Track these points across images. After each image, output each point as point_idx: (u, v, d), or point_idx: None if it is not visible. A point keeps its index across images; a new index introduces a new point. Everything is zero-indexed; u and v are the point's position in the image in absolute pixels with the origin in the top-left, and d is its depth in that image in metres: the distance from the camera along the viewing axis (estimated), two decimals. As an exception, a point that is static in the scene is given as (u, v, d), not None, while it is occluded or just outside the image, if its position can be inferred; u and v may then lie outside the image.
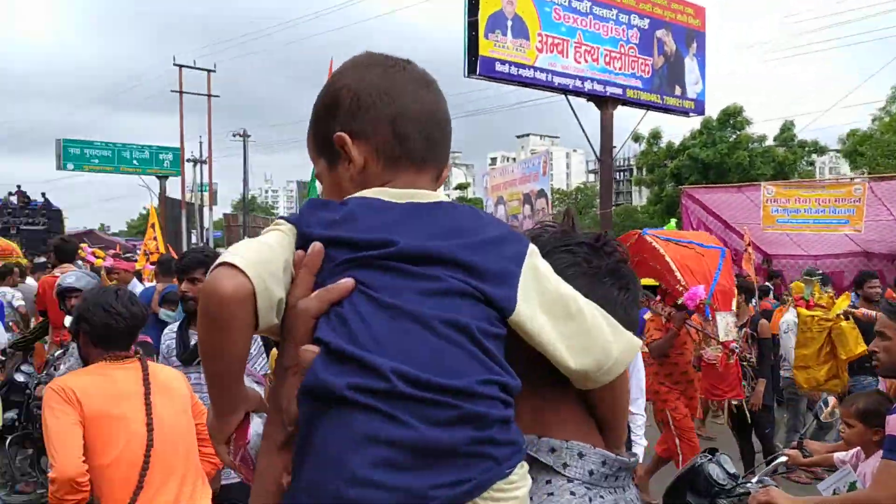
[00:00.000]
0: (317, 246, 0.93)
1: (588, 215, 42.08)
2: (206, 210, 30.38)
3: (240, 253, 0.89)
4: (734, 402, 5.94)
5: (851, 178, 17.27)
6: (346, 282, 0.90)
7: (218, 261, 0.90)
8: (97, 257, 9.99)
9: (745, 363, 6.02)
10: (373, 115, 1.04)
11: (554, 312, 0.96)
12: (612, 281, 1.07)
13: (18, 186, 27.59)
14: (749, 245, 11.01)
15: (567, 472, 0.98)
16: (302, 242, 0.95)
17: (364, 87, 1.05)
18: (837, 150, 29.53)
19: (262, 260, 0.90)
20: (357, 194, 1.01)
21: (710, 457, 2.85)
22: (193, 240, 28.59)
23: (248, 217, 32.48)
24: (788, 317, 6.52)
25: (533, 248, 0.99)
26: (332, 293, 0.90)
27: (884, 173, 17.76)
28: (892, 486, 2.35)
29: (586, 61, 16.94)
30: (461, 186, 70.32)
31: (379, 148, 1.04)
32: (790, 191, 13.61)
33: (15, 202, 27.09)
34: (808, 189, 13.62)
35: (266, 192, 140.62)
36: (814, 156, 31.56)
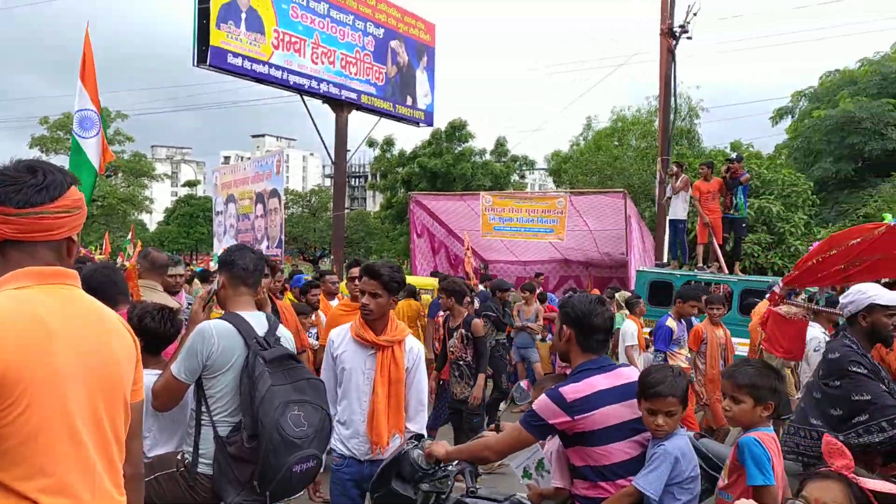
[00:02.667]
0: None
1: (322, 218, 42.16)
2: None
3: None
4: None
5: (556, 192, 19.34)
6: None
7: None
8: None
9: (461, 363, 6.15)
10: None
11: None
12: None
13: None
14: (468, 249, 11.77)
15: None
16: None
17: None
18: (544, 168, 33.07)
19: None
20: None
21: (416, 443, 2.97)
22: None
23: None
24: (816, 332, 5.55)
25: None
26: None
27: (582, 189, 20.07)
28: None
29: (323, 63, 16.95)
30: (190, 184, 66.52)
31: None
32: (505, 201, 14.69)
33: None
34: (519, 200, 14.83)
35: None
36: (528, 173, 34.86)
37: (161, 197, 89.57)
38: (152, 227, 63.46)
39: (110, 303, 2.99)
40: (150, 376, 2.96)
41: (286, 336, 3.03)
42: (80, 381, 1.60)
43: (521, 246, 16.84)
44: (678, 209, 12.49)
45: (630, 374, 2.77)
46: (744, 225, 12.84)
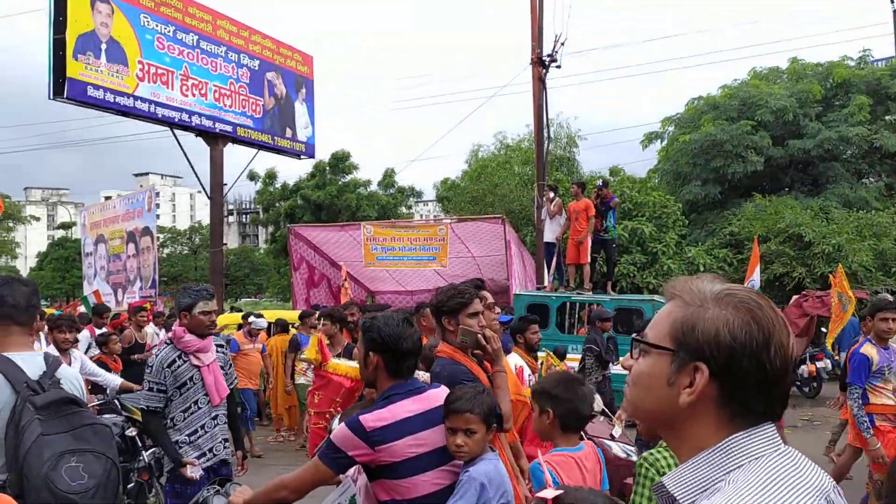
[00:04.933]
0: None
1: (203, 256, 40.77)
2: None
3: None
4: None
5: (436, 219, 19.42)
6: None
7: None
8: None
9: None
10: None
11: None
12: None
13: None
14: (346, 279, 11.54)
15: None
16: None
17: None
18: (432, 199, 33.33)
19: None
20: None
21: (217, 489, 2.73)
22: None
23: None
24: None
25: None
26: None
27: (463, 216, 20.26)
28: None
29: (194, 95, 16.42)
30: (64, 226, 62.80)
31: None
32: (386, 230, 14.59)
33: None
34: (401, 229, 14.76)
35: None
36: (416, 202, 34.93)
37: (37, 240, 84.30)
38: (25, 271, 59.45)
39: None
40: None
41: (68, 376, 2.72)
42: None
43: (406, 275, 16.74)
44: (551, 232, 12.75)
45: (442, 397, 2.59)
46: (614, 246, 13.24)
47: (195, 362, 4.14)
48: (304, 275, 15.58)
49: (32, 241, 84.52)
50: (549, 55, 15.55)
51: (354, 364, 5.25)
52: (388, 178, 30.48)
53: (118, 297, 18.61)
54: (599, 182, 13.43)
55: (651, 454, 2.40)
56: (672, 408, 1.12)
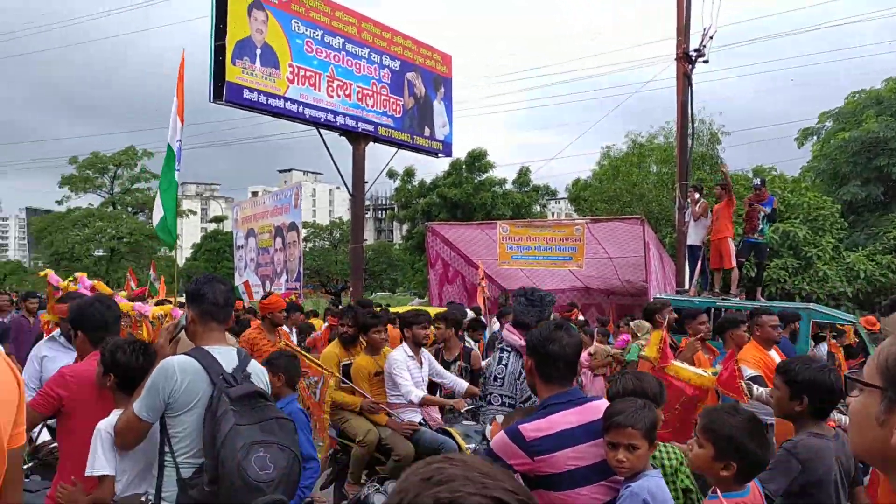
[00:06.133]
0: None
1: (343, 251, 42.30)
2: None
3: None
4: None
5: (573, 219, 19.13)
6: None
7: None
8: None
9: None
10: None
11: None
12: None
13: None
14: (482, 278, 11.62)
15: None
16: None
17: None
18: (564, 197, 32.92)
19: None
20: None
21: (378, 486, 2.80)
22: None
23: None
24: None
25: None
26: None
27: (600, 216, 19.86)
28: None
29: (339, 96, 17.07)
30: (217, 219, 67.38)
31: None
32: (522, 230, 14.57)
33: None
34: (536, 229, 14.69)
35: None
36: (551, 201, 34.65)
37: (192, 232, 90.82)
38: (181, 262, 64.22)
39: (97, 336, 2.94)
40: (114, 417, 2.85)
41: (257, 372, 2.90)
42: None
43: (540, 275, 16.64)
44: (695, 235, 12.23)
45: (601, 409, 2.52)
46: (767, 250, 12.52)
47: None
48: (440, 271, 15.84)
49: (188, 233, 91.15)
50: (695, 50, 14.92)
51: (701, 371, 4.79)
52: (522, 176, 30.42)
53: (266, 287, 19.69)
54: (757, 181, 12.71)
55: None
56: (885, 447, 1.03)
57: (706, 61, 15.03)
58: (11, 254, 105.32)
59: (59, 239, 35.91)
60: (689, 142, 15.47)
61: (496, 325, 9.25)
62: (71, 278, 5.32)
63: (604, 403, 2.58)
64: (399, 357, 5.17)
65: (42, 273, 6.41)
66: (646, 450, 2.40)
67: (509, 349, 3.78)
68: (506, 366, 3.71)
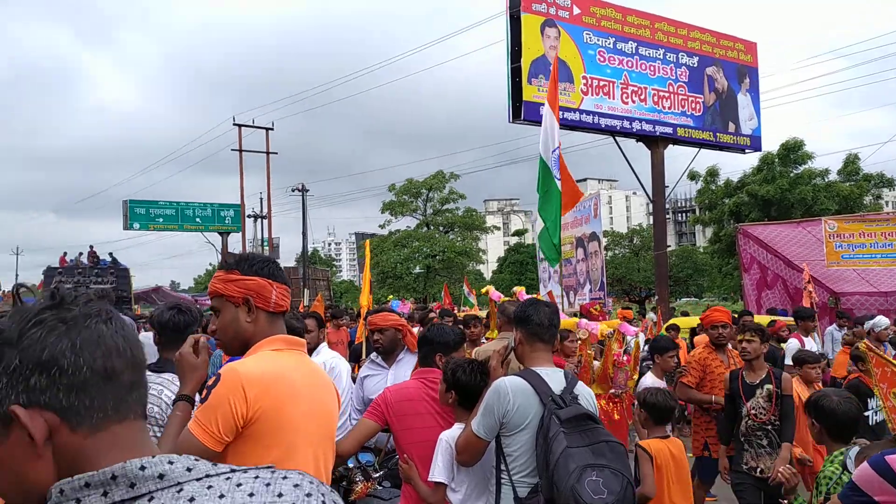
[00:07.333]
0: None
1: (645, 258, 41.28)
2: (267, 264, 30.63)
3: None
4: None
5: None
6: None
7: None
8: None
9: (769, 428, 4.80)
10: None
11: None
12: None
13: (91, 246, 28.72)
14: (809, 282, 10.53)
15: None
16: None
17: None
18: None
19: None
20: None
21: None
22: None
23: (308, 269, 32.89)
24: None
25: None
26: None
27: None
28: None
29: (633, 101, 16.80)
30: (518, 233, 70.17)
31: None
32: (853, 225, 12.99)
33: (86, 262, 28.23)
34: (871, 223, 12.98)
35: (329, 244, 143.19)
36: (884, 190, 30.21)
37: (494, 247, 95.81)
38: (488, 275, 67.90)
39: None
40: (457, 430, 3.05)
41: (585, 394, 2.90)
42: (307, 433, 1.91)
43: (878, 275, 14.60)
44: None
45: None
46: None
47: None
48: (756, 276, 14.69)
49: (492, 248, 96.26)
50: None
51: None
52: (849, 164, 26.98)
53: (570, 298, 19.94)
54: None
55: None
56: None
57: None
58: (344, 274, 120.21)
59: (383, 259, 40.11)
60: None
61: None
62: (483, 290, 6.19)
63: None
64: None
65: (483, 290, 7.32)
66: None
67: None
68: None
